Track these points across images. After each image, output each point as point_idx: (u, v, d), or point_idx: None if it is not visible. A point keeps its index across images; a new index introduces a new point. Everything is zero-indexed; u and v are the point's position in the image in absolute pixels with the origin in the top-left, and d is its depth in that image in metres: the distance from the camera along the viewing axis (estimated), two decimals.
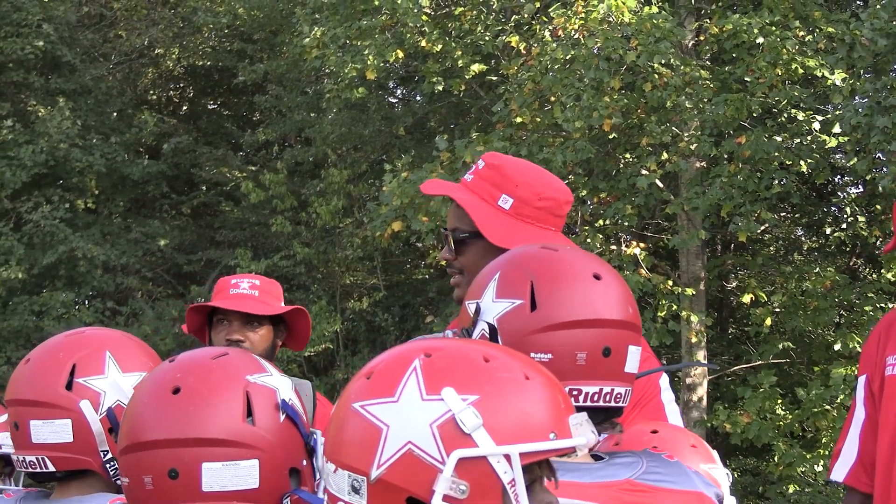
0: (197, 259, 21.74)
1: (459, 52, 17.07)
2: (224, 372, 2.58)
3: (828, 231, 17.76)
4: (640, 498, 2.57)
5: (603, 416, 2.66)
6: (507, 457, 2.06)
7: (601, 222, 16.67)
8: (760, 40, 15.11)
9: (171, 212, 23.37)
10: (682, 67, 15.38)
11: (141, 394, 2.61)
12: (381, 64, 17.08)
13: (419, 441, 2.08)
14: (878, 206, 16.73)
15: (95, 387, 2.95)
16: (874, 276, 17.76)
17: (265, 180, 20.03)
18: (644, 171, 15.51)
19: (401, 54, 17.14)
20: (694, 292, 16.28)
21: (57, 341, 3.06)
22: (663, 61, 15.08)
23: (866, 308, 16.00)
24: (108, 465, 2.95)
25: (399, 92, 23.05)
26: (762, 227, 16.78)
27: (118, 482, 2.92)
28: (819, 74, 15.14)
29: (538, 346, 2.58)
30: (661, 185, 16.17)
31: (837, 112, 15.04)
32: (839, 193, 18.89)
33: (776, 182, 15.42)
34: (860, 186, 18.33)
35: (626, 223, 16.21)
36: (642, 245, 16.70)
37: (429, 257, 18.89)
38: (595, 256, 2.74)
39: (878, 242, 17.21)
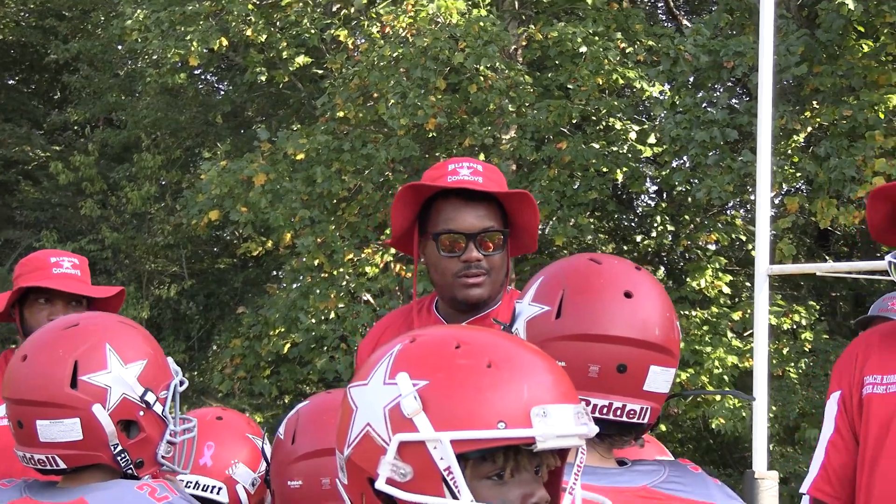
0: None
1: (285, 44, 17.01)
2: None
3: (638, 239, 18.18)
4: None
5: (616, 430, 2.69)
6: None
7: None
8: (584, 49, 15.45)
9: None
10: (506, 71, 15.63)
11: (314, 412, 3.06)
12: (205, 51, 16.91)
13: (374, 423, 2.13)
14: (686, 217, 17.23)
15: (100, 383, 2.92)
16: (672, 283, 18.23)
17: (75, 161, 19.58)
18: None
19: (225, 42, 16.98)
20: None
21: (54, 336, 3.00)
22: (489, 64, 15.28)
23: None
24: (118, 458, 2.93)
25: (205, 78, 22.74)
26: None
27: (128, 472, 2.95)
28: (638, 86, 15.57)
29: (554, 352, 2.57)
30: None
31: (657, 124, 15.49)
32: (636, 201, 19.39)
33: (593, 188, 15.77)
34: (661, 196, 18.87)
35: None
36: None
37: (240, 248, 18.77)
38: (642, 275, 2.76)
39: (685, 252, 17.74)
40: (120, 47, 19.95)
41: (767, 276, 10.23)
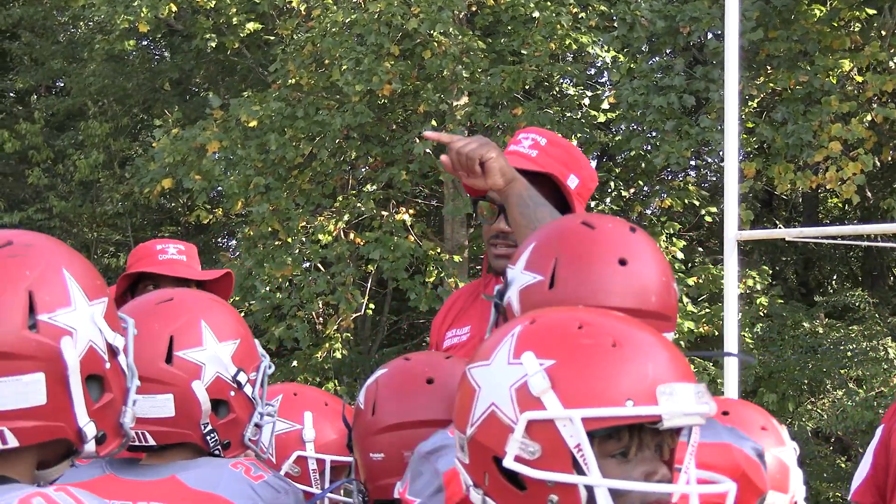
0: None
1: (234, 10, 16.84)
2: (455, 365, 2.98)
3: (592, 204, 18.17)
4: None
5: None
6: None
7: (368, 187, 16.71)
8: (536, 14, 15.41)
9: None
10: (459, 37, 15.56)
11: (395, 381, 2.98)
12: (154, 17, 16.70)
13: (500, 402, 2.14)
14: (640, 182, 17.27)
15: (195, 359, 2.86)
16: None
17: (20, 129, 19.29)
18: (417, 140, 15.67)
19: (174, 8, 16.77)
20: (461, 259, 16.52)
21: (147, 310, 2.92)
22: (443, 30, 15.21)
23: None
24: (207, 437, 2.88)
25: (144, 45, 22.38)
26: None
27: (215, 453, 2.91)
28: (591, 51, 15.56)
29: None
30: (430, 153, 16.32)
31: (614, 91, 15.47)
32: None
33: None
34: (602, 160, 18.90)
35: (401, 188, 16.27)
36: (412, 211, 16.84)
37: (190, 216, 18.60)
38: (637, 237, 2.67)
39: (638, 218, 17.76)
40: (58, 15, 19.64)
41: (736, 241, 10.22)
